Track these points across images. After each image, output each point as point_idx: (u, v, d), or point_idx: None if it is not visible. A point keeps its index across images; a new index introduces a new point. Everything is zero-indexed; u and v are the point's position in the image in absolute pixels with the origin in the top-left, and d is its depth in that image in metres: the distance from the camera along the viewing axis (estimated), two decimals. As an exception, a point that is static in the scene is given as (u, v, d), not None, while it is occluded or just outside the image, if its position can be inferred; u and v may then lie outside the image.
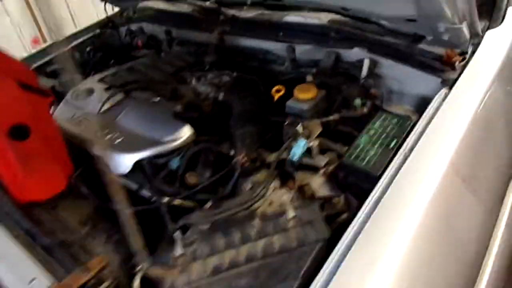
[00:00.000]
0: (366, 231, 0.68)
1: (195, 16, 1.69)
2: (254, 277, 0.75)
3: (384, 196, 0.73)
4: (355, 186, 0.90)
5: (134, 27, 1.97)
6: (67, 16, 3.72)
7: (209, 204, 0.95)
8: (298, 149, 0.97)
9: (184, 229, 0.90)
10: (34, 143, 0.97)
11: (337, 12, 1.27)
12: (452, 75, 1.04)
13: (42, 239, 0.93)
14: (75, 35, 1.99)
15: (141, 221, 1.01)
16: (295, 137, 0.99)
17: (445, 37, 1.04)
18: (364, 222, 0.71)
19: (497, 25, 1.11)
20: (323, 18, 1.34)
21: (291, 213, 0.81)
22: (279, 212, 0.84)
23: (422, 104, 1.16)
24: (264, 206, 0.88)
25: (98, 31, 2.01)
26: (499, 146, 0.99)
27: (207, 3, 1.63)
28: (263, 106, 1.20)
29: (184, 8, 1.76)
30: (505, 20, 1.11)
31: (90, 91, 1.35)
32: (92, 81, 1.45)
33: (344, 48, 1.24)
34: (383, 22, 1.22)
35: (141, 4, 1.97)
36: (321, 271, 0.66)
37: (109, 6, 2.01)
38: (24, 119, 0.94)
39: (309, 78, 1.19)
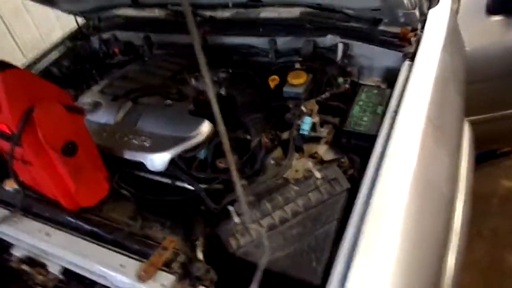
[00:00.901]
0: (378, 179, 0.92)
1: (172, 20, 1.82)
2: (302, 226, 0.98)
3: (385, 152, 0.98)
4: (356, 147, 1.15)
5: (106, 35, 2.04)
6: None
7: (244, 182, 1.15)
8: (306, 125, 1.20)
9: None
10: (81, 157, 1.10)
11: (306, 6, 1.48)
12: (410, 49, 1.31)
13: (108, 235, 1.07)
14: (47, 52, 2.02)
15: (181, 208, 1.20)
16: (300, 116, 1.22)
17: (401, 19, 1.31)
18: (375, 172, 0.96)
19: (436, 4, 1.40)
20: (294, 11, 1.56)
21: (318, 174, 1.05)
22: (307, 176, 1.07)
23: (388, 75, 1.45)
24: (292, 173, 1.11)
25: (69, 44, 2.05)
26: (453, 97, 1.29)
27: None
28: (262, 95, 1.40)
29: (156, 13, 1.88)
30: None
31: (97, 104, 1.46)
32: (93, 94, 1.55)
33: (319, 36, 1.47)
34: (347, 11, 1.47)
35: (106, 13, 2.03)
36: (353, 212, 0.90)
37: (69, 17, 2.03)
38: (71, 136, 1.06)
39: (297, 65, 1.41)
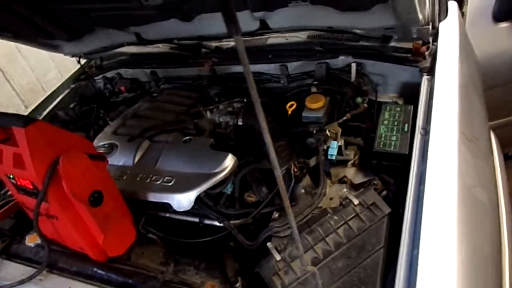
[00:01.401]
0: (423, 201, 0.89)
1: (177, 54, 1.82)
2: (347, 258, 0.94)
3: (424, 171, 0.95)
4: (388, 167, 1.13)
5: (110, 74, 2.03)
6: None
7: (276, 214, 1.11)
8: (333, 149, 1.17)
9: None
10: (107, 205, 1.06)
11: (315, 29, 1.49)
12: (426, 63, 1.31)
13: (142, 286, 1.02)
14: (51, 95, 2.00)
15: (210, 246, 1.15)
16: (325, 140, 1.20)
17: (414, 35, 1.31)
18: (416, 193, 0.93)
19: (445, 17, 1.40)
20: (301, 36, 1.56)
21: (355, 201, 1.01)
22: (343, 203, 1.03)
23: (403, 90, 1.44)
24: (327, 202, 1.07)
25: (72, 86, 2.04)
26: (477, 105, 1.28)
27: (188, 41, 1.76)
28: (281, 121, 1.38)
29: (161, 48, 1.88)
30: (448, 11, 1.41)
31: (113, 146, 1.42)
32: (107, 136, 1.51)
33: (331, 58, 1.47)
34: (356, 31, 1.47)
35: (109, 52, 2.02)
36: (403, 234, 0.87)
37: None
38: (97, 185, 1.03)
39: (313, 89, 1.40)
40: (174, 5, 1.31)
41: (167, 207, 1.21)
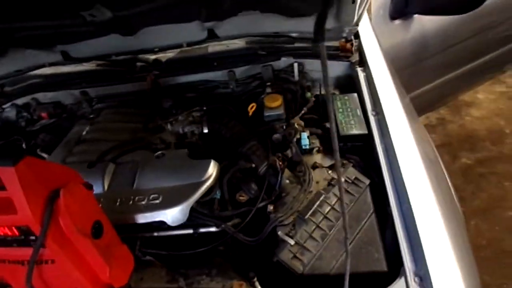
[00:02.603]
0: (398, 164, 1.11)
1: (109, 70, 1.73)
2: (348, 227, 1.09)
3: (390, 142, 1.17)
4: (352, 148, 1.32)
5: (21, 101, 1.80)
6: None
7: (271, 207, 1.19)
8: (305, 140, 1.32)
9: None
10: (107, 235, 0.99)
11: (257, 35, 1.61)
12: (355, 58, 1.56)
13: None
14: None
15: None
16: (295, 133, 1.33)
17: (344, 34, 1.54)
18: (388, 160, 1.14)
19: (362, 17, 1.69)
20: (239, 42, 1.67)
21: (342, 179, 1.17)
22: (332, 183, 1.18)
23: (338, 82, 1.67)
24: (316, 186, 1.21)
25: (-26, 119, 1.74)
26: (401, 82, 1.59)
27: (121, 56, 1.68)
28: (243, 123, 1.46)
29: (86, 66, 1.76)
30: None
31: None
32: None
33: (274, 60, 1.61)
34: (291, 34, 1.64)
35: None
36: (390, 196, 1.06)
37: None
38: (96, 216, 0.95)
39: (268, 89, 1.52)
40: (122, 19, 1.26)
41: (158, 225, 1.18)
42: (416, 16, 1.96)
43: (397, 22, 1.95)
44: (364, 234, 1.08)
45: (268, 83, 1.57)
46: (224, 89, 1.66)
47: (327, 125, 1.40)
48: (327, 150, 1.37)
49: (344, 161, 1.30)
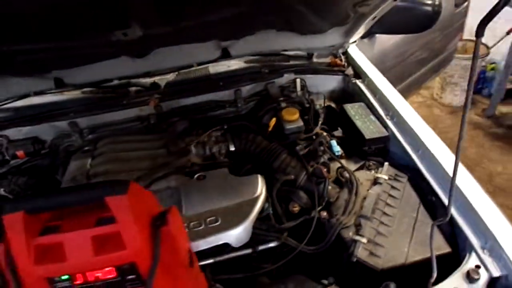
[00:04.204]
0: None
1: (100, 98, 1.58)
2: (406, 217, 1.17)
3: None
4: (377, 150, 1.43)
5: None
6: None
7: (324, 213, 1.22)
8: (336, 147, 1.39)
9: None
10: (195, 264, 0.90)
11: (259, 54, 1.66)
12: (350, 71, 1.71)
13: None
14: None
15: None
16: (326, 142, 1.40)
17: (335, 52, 1.69)
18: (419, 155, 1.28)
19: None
20: (239, 62, 1.70)
21: (385, 176, 1.27)
22: (377, 182, 1.27)
23: (332, 95, 1.80)
24: (361, 188, 1.27)
25: None
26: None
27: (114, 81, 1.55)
28: (268, 138, 1.47)
29: (66, 95, 1.58)
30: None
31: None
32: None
33: (277, 77, 1.67)
34: (286, 52, 1.73)
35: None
36: (431, 182, 1.19)
37: None
38: (186, 243, 0.87)
39: (283, 104, 1.56)
40: (143, 40, 1.19)
41: (218, 249, 1.11)
42: (377, 35, 2.25)
43: (365, 40, 2.20)
44: (421, 223, 1.17)
45: (281, 98, 1.61)
46: (232, 108, 1.65)
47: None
48: (348, 155, 1.46)
49: (370, 163, 1.40)
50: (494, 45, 3.67)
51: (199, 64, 1.50)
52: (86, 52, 1.22)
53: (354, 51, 1.80)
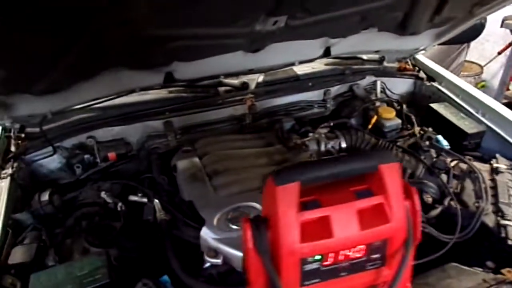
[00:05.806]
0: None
1: (192, 97, 1.53)
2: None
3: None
4: (474, 144, 1.49)
5: (68, 143, 1.40)
6: None
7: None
8: (443, 141, 1.44)
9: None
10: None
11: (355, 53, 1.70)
12: (423, 75, 1.79)
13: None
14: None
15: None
16: (433, 136, 1.44)
17: (406, 57, 1.77)
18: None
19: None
20: (320, 64, 1.73)
21: (504, 166, 1.32)
22: (498, 170, 1.31)
23: (403, 97, 1.86)
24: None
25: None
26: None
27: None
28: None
29: (152, 95, 1.51)
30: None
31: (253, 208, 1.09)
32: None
33: (360, 79, 1.71)
34: (360, 56, 1.79)
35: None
36: None
37: None
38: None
39: (378, 103, 1.59)
40: (274, 32, 1.18)
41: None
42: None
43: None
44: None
45: (374, 98, 1.64)
46: (320, 109, 1.65)
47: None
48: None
49: (469, 158, 1.45)
50: (486, 64, 3.99)
51: (300, 62, 1.50)
52: (213, 44, 1.18)
53: (421, 56, 1.89)
